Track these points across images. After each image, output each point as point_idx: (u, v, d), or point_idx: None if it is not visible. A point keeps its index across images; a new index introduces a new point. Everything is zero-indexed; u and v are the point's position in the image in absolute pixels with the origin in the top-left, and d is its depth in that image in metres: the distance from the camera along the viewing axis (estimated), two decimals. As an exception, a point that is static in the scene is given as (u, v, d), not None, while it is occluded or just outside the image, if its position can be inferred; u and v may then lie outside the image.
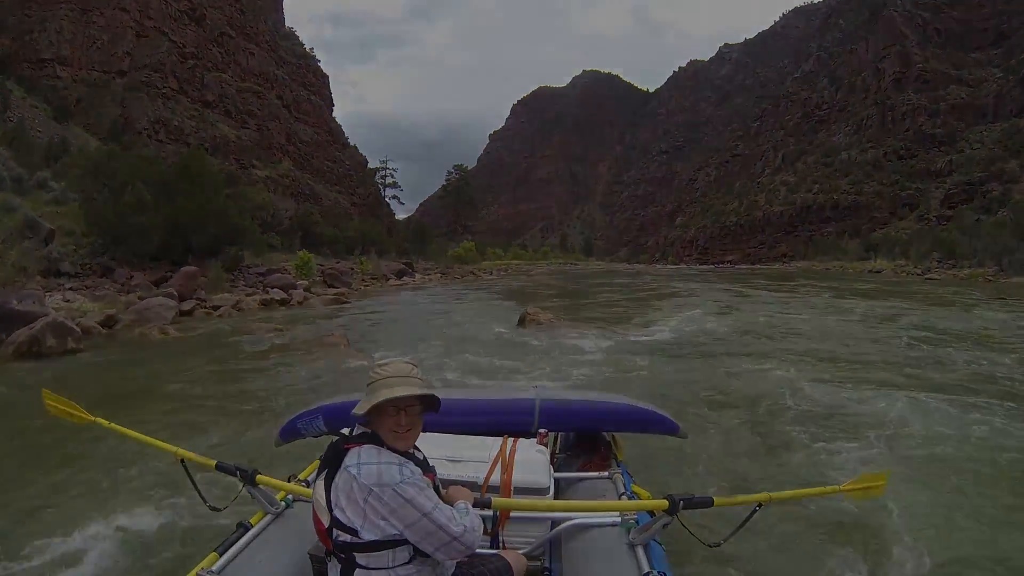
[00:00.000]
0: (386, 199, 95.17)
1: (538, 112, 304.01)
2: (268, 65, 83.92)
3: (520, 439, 2.89)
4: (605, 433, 3.47)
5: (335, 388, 8.08)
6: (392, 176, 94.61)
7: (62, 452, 5.32)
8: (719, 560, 3.30)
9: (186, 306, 17.13)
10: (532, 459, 2.71)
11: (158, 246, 21.52)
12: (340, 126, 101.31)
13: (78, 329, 10.87)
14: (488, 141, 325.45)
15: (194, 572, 2.00)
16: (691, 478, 4.75)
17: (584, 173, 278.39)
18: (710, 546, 2.28)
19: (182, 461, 2.45)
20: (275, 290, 22.39)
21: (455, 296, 27.92)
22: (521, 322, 15.09)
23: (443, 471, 2.31)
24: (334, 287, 27.89)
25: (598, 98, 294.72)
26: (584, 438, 3.49)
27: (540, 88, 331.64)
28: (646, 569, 2.08)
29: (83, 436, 5.19)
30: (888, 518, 3.92)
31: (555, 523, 2.49)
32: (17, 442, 5.81)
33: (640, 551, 2.20)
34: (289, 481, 2.55)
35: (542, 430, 3.14)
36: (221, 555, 2.12)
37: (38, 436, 5.78)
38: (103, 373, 9.32)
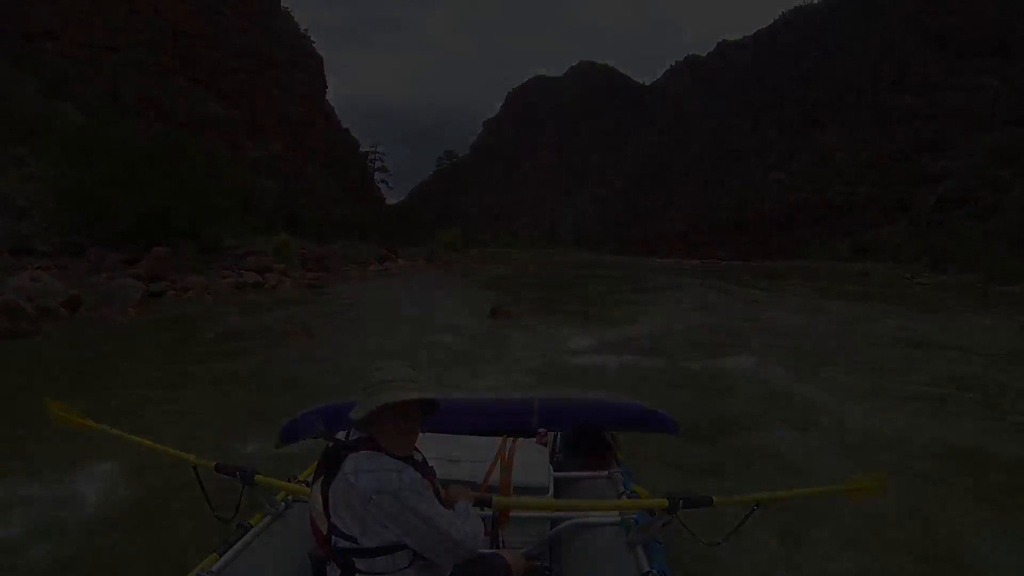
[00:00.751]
0: (376, 183, 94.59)
1: (532, 101, 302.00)
2: (262, 45, 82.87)
3: (519, 439, 2.91)
4: (605, 432, 3.48)
5: (289, 378, 8.02)
6: (381, 160, 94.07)
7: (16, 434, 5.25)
8: (718, 559, 3.33)
9: (156, 288, 16.99)
10: (531, 459, 2.75)
11: (133, 226, 21.19)
12: (333, 108, 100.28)
13: (31, 311, 10.73)
14: (481, 128, 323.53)
15: (194, 573, 1.98)
16: (687, 476, 4.79)
17: (576, 164, 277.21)
18: (709, 545, 2.28)
19: (195, 468, 2.42)
20: (250, 273, 22.23)
21: (435, 284, 27.86)
22: (493, 314, 15.05)
23: (442, 472, 2.30)
24: (312, 271, 27.74)
25: (593, 89, 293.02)
26: (584, 437, 3.48)
27: (535, 77, 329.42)
28: (646, 568, 2.09)
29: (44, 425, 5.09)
30: (884, 517, 4.03)
31: (555, 522, 2.50)
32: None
33: (640, 550, 2.20)
34: (289, 481, 2.54)
35: (541, 430, 3.14)
36: (221, 556, 2.10)
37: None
38: (47, 357, 9.21)
